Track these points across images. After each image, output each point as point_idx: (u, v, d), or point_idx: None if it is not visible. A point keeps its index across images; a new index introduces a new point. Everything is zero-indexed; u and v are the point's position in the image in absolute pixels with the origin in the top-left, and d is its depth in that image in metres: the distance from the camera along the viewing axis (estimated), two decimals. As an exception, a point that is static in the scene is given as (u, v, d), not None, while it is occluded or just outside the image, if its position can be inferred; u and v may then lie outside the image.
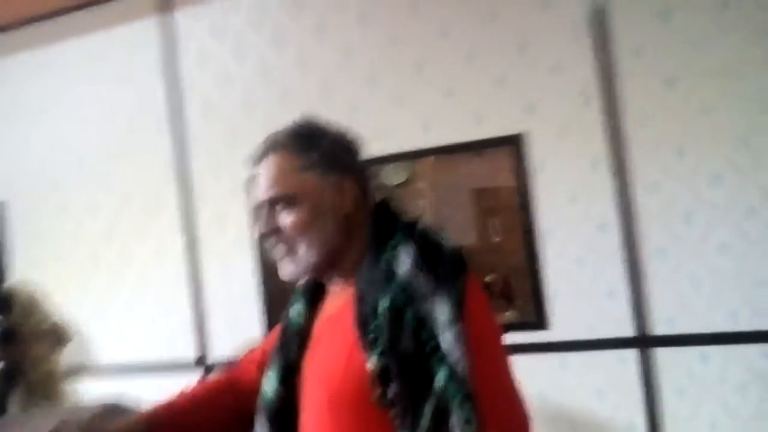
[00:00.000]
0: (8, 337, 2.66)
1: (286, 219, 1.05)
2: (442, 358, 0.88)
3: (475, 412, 0.86)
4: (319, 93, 2.93)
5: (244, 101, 3.09)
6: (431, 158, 2.79)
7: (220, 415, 1.22)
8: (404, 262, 0.96)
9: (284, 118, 3.06)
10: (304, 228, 1.04)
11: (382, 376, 0.91)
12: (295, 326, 1.13)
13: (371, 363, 0.91)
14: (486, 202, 2.78)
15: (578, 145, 2.59)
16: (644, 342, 2.51)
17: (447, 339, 0.89)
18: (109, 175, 3.34)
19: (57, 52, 3.45)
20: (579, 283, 2.58)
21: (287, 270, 1.07)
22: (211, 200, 3.15)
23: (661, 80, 2.50)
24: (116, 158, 3.33)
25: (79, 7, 3.36)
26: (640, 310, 2.51)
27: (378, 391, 0.91)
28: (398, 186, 2.81)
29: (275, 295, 3.03)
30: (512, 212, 2.69)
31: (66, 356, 3.05)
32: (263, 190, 1.08)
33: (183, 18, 3.20)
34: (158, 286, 3.25)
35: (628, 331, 2.52)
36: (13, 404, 2.76)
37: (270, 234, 1.07)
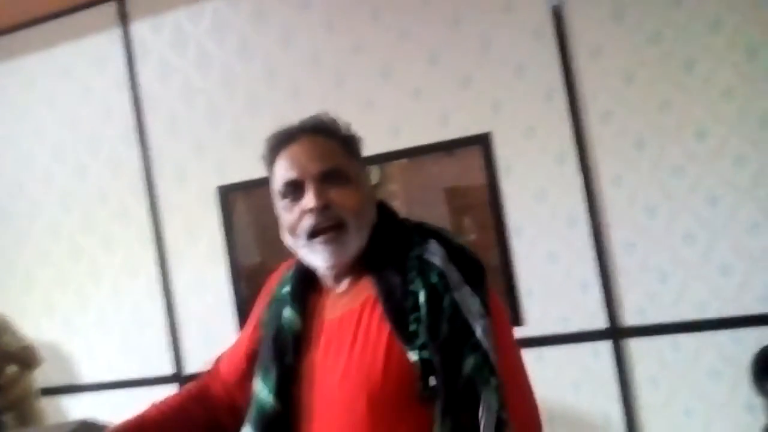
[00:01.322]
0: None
1: (345, 194, 1.00)
2: (475, 345, 0.91)
3: (502, 388, 0.89)
4: (287, 100, 2.93)
5: (209, 112, 3.06)
6: (403, 160, 2.80)
7: (192, 429, 1.19)
8: (436, 254, 0.98)
9: (251, 127, 3.08)
10: (359, 207, 1.01)
11: (426, 368, 0.91)
12: (290, 332, 1.06)
13: (415, 355, 0.91)
14: (458, 200, 2.80)
15: (544, 142, 2.63)
16: (617, 333, 2.55)
17: (479, 328, 0.92)
18: (73, 192, 3.28)
19: (19, 66, 3.37)
20: (551, 278, 2.62)
21: (333, 251, 1.01)
22: (179, 212, 3.11)
23: (620, 77, 2.55)
24: (80, 173, 3.27)
25: (42, 20, 3.30)
26: (612, 303, 2.55)
27: (421, 384, 0.91)
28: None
29: (250, 305, 3.00)
30: (484, 210, 2.72)
31: (38, 377, 2.99)
32: (309, 164, 1.01)
33: (141, 29, 3.16)
34: (130, 301, 3.19)
35: (601, 323, 2.56)
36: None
37: (324, 208, 0.99)
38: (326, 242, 1.00)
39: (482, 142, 2.68)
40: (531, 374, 1.03)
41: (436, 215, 2.76)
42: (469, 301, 0.94)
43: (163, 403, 1.21)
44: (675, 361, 2.50)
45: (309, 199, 0.99)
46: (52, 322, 3.27)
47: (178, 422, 1.18)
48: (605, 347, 2.56)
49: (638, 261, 2.53)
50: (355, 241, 1.01)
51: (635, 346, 2.54)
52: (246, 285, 3.03)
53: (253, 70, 3.00)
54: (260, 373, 1.07)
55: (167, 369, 3.13)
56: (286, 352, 1.05)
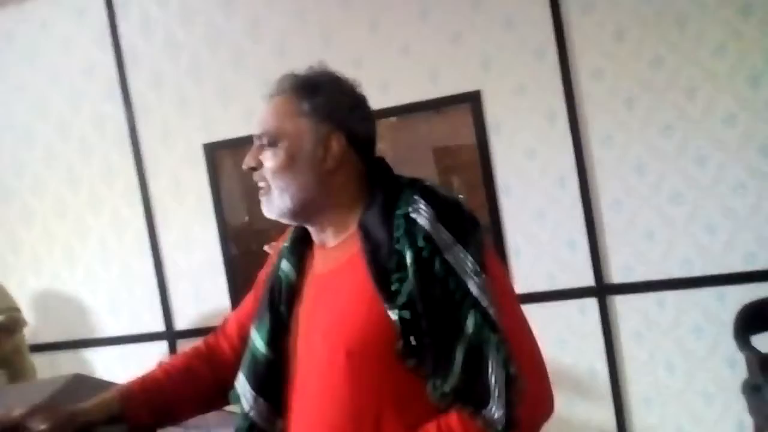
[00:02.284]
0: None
1: (267, 158, 1.05)
2: (473, 304, 0.90)
3: (505, 345, 0.89)
4: (273, 56, 2.87)
5: (193, 68, 3.00)
6: (392, 119, 2.78)
7: (199, 388, 1.19)
8: (424, 214, 0.96)
9: (236, 83, 3.02)
10: (277, 170, 1.03)
11: (406, 327, 0.91)
12: (286, 283, 1.09)
13: (394, 314, 0.91)
14: (447, 160, 2.79)
15: (534, 100, 2.61)
16: (603, 290, 2.58)
17: (475, 286, 0.91)
18: (56, 150, 3.22)
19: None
20: (539, 236, 2.63)
21: (264, 209, 1.07)
22: (166, 169, 3.08)
23: (612, 33, 2.52)
24: (63, 130, 3.20)
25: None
26: (599, 260, 2.58)
27: (401, 342, 0.91)
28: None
29: (239, 262, 3.00)
30: (474, 169, 2.71)
31: (28, 334, 2.98)
32: (256, 127, 1.07)
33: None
34: (118, 259, 3.18)
35: (587, 281, 2.59)
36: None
37: (249, 170, 1.07)
38: (261, 199, 1.07)
39: (472, 100, 2.66)
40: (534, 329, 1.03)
41: (424, 175, 2.74)
42: (462, 260, 0.93)
43: (169, 363, 1.21)
44: (659, 318, 2.55)
45: (246, 159, 1.08)
46: (39, 279, 3.25)
47: (185, 382, 1.18)
48: (591, 304, 2.60)
49: (626, 219, 2.55)
50: (279, 201, 1.04)
51: (621, 302, 2.58)
52: (234, 244, 3.02)
53: (237, 24, 2.92)
54: (255, 322, 1.10)
55: (157, 326, 3.14)
56: (280, 302, 1.07)
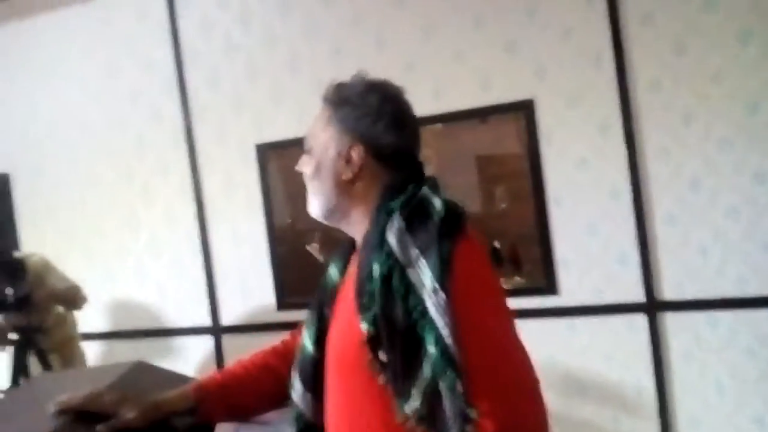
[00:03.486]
0: (23, 304, 2.67)
1: (305, 164, 1.12)
2: (430, 324, 0.88)
3: (460, 380, 0.85)
4: (328, 59, 2.90)
5: (249, 69, 3.05)
6: (437, 126, 2.78)
7: (275, 385, 1.21)
8: (392, 228, 0.95)
9: (290, 85, 3.06)
10: (308, 176, 1.10)
11: (373, 342, 0.92)
12: (330, 286, 1.13)
13: (363, 328, 0.93)
14: (491, 169, 2.78)
15: (589, 110, 2.58)
16: (653, 307, 2.53)
17: (432, 305, 0.88)
18: (112, 142, 3.31)
19: (60, 19, 3.38)
20: (589, 249, 2.60)
21: (308, 208, 1.12)
22: (218, 167, 3.14)
23: (671, 45, 2.48)
24: (120, 126, 3.30)
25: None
26: (650, 276, 2.53)
27: (369, 356, 0.92)
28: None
29: (286, 260, 3.04)
30: (519, 179, 2.69)
31: (80, 322, 3.07)
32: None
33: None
34: (168, 253, 3.26)
35: (637, 296, 2.54)
36: (33, 367, 2.78)
37: (301, 173, 1.12)
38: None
39: (525, 109, 2.64)
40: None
41: (468, 184, 2.75)
42: (423, 277, 0.90)
43: (248, 359, 1.25)
44: (711, 337, 2.48)
45: None
46: (91, 270, 3.34)
47: (262, 378, 1.22)
48: (641, 320, 2.55)
49: (679, 235, 2.50)
50: (315, 201, 1.09)
51: (671, 320, 2.52)
52: (283, 240, 3.06)
53: (293, 26, 2.97)
54: (306, 323, 1.15)
55: (204, 320, 3.20)
56: (324, 304, 1.12)
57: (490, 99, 2.70)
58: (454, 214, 0.97)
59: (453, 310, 0.87)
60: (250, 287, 3.10)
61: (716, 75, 2.42)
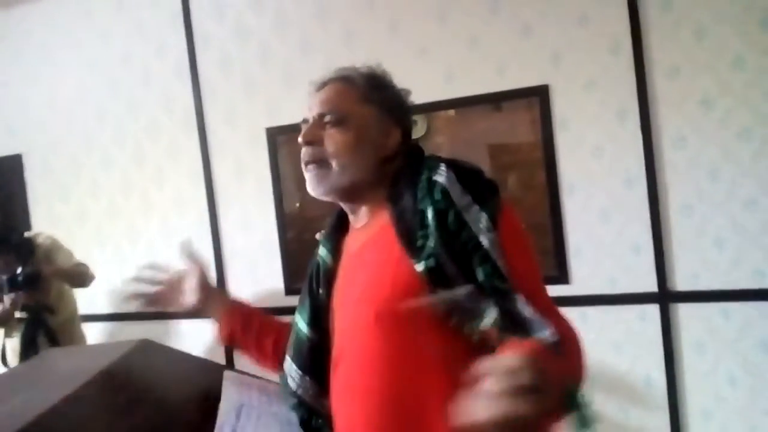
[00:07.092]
0: (32, 281, 2.68)
1: (333, 135, 1.08)
2: (483, 257, 0.93)
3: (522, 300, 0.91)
4: (340, 42, 2.88)
5: (261, 53, 3.03)
6: (450, 112, 2.75)
7: (279, 343, 1.26)
8: (443, 174, 1.00)
9: (301, 69, 3.03)
10: (346, 148, 1.08)
11: (432, 276, 0.94)
12: (323, 267, 1.15)
13: (419, 266, 0.95)
14: (503, 157, 2.75)
15: (605, 97, 2.54)
16: (666, 297, 2.50)
17: (486, 240, 0.94)
18: (126, 127, 3.32)
19: (77, 4, 3.37)
20: (602, 238, 2.56)
21: (311, 185, 1.11)
22: (229, 151, 3.13)
23: (691, 32, 2.43)
24: (133, 108, 3.30)
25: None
26: (663, 266, 2.49)
27: (429, 292, 0.93)
28: (418, 139, 2.77)
29: (295, 246, 3.03)
30: (531, 167, 2.66)
31: (88, 303, 3.08)
32: (316, 107, 1.12)
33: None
34: (179, 236, 3.25)
35: (650, 286, 2.51)
36: (41, 345, 2.80)
37: (310, 143, 1.10)
38: (309, 173, 1.11)
39: (540, 94, 2.60)
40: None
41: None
42: (476, 217, 0.96)
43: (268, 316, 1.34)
44: (724, 329, 2.45)
45: (304, 133, 1.11)
46: (102, 252, 3.36)
47: (272, 330, 1.29)
48: (653, 310, 2.52)
49: (695, 225, 2.46)
50: (338, 177, 1.08)
51: (684, 311, 2.49)
52: (293, 227, 3.05)
53: (306, 11, 2.94)
54: (299, 306, 1.18)
55: (212, 304, 3.19)
56: (318, 285, 1.15)
57: (505, 84, 2.66)
58: (494, 180, 1.04)
59: (504, 248, 0.95)
60: (259, 271, 3.10)
61: (737, 61, 2.37)
